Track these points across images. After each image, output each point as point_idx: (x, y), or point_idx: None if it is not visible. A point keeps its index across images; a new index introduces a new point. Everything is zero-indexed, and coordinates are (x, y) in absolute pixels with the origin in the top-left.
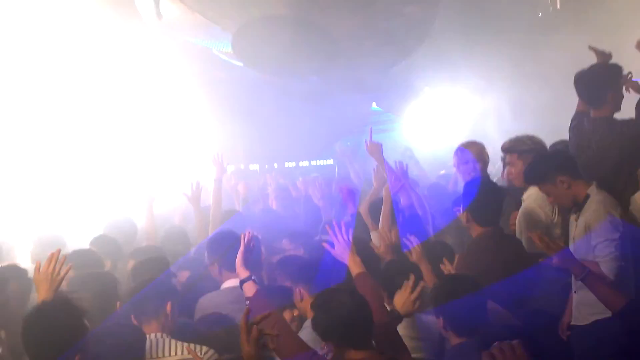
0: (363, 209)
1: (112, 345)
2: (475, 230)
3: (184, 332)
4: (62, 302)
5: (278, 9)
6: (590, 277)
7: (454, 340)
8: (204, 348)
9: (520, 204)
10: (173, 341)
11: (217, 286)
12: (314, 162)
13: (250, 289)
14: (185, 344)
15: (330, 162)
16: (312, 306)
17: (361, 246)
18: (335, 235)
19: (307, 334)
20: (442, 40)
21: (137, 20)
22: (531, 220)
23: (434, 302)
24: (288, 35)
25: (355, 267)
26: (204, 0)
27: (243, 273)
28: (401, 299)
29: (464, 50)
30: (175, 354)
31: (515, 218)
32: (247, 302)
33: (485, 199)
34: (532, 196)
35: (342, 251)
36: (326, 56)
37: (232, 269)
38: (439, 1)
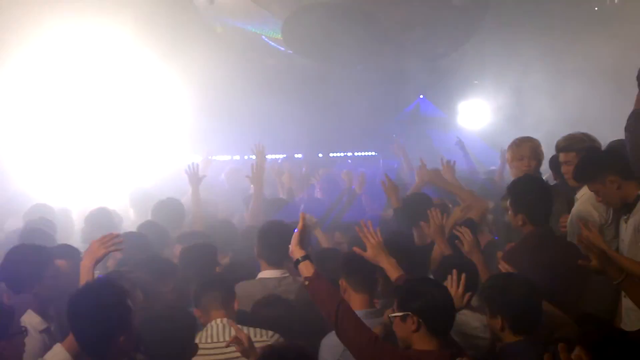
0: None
1: (160, 328)
2: (526, 228)
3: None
4: (106, 282)
5: None
6: (627, 281)
7: (510, 338)
8: (270, 332)
9: (572, 204)
10: (245, 327)
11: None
12: (358, 153)
13: (307, 269)
14: (251, 328)
15: (373, 153)
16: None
17: (404, 241)
18: (366, 237)
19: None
20: (492, 33)
21: (189, 5)
22: (584, 221)
23: (489, 300)
24: (338, 23)
25: (392, 271)
26: None
27: (298, 252)
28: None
29: (515, 44)
30: None
31: (566, 220)
32: (306, 282)
33: (538, 197)
34: (585, 195)
35: (374, 254)
36: (375, 45)
37: (271, 261)
38: None
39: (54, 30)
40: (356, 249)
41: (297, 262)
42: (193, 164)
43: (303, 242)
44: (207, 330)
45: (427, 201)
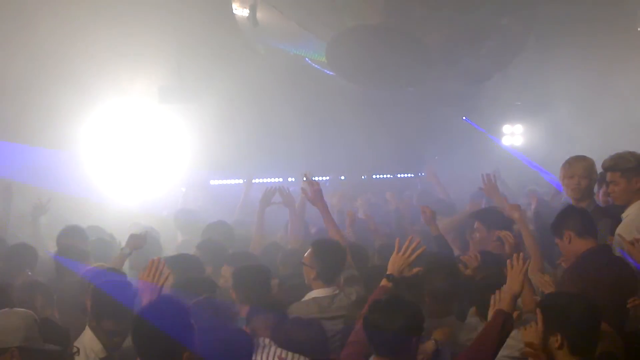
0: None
1: (219, 348)
2: (582, 246)
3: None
4: (171, 300)
5: (373, 18)
6: None
7: (566, 357)
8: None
9: (619, 222)
10: (279, 349)
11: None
12: (401, 175)
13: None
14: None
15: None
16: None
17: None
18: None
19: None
20: (535, 53)
21: (231, 26)
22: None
23: (549, 317)
24: (382, 45)
25: (507, 303)
26: (300, 8)
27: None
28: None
29: (556, 64)
30: None
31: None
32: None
33: (581, 213)
34: (632, 215)
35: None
36: (419, 67)
37: (324, 281)
38: (535, 14)
39: (97, 48)
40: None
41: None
42: (267, 188)
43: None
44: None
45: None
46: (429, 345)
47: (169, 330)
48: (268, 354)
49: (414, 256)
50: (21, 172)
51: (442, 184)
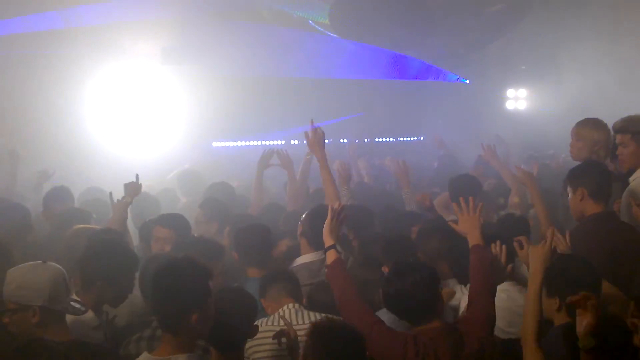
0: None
1: (225, 309)
2: (591, 208)
3: None
4: (192, 261)
5: None
6: None
7: (564, 319)
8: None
9: (626, 186)
10: (307, 312)
11: None
12: (403, 139)
13: (330, 256)
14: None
15: (421, 138)
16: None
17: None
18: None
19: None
20: (540, 18)
21: None
22: (636, 198)
23: (547, 280)
24: (386, 6)
25: (474, 239)
26: None
27: (328, 241)
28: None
29: (562, 28)
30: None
31: (619, 205)
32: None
33: (597, 172)
34: (638, 179)
35: (469, 225)
36: (424, 29)
37: (314, 247)
38: None
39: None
40: (451, 224)
41: (326, 249)
42: (265, 150)
43: (333, 231)
44: (279, 313)
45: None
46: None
47: (184, 290)
48: (291, 316)
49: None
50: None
51: (449, 149)
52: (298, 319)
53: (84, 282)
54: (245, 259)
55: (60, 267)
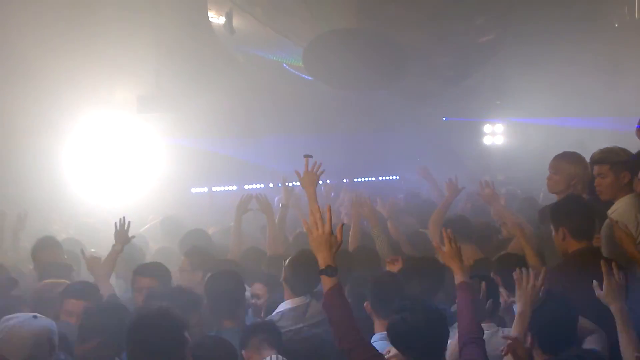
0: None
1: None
2: (573, 246)
3: None
4: (167, 313)
5: (349, 22)
6: None
7: (540, 357)
8: None
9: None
10: None
11: None
12: (382, 178)
13: (326, 283)
14: None
15: (396, 177)
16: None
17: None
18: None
19: None
20: (514, 52)
21: (209, 34)
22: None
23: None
24: (358, 48)
25: (461, 274)
26: (276, 14)
27: (324, 258)
28: None
29: (536, 63)
30: None
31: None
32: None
33: (578, 211)
34: (618, 210)
35: (449, 256)
36: (396, 69)
37: (297, 291)
38: (511, 12)
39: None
40: (436, 245)
41: (321, 272)
42: (243, 195)
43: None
44: None
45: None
46: None
47: (158, 343)
48: None
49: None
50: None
51: (435, 181)
52: None
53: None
54: (216, 307)
55: (52, 323)
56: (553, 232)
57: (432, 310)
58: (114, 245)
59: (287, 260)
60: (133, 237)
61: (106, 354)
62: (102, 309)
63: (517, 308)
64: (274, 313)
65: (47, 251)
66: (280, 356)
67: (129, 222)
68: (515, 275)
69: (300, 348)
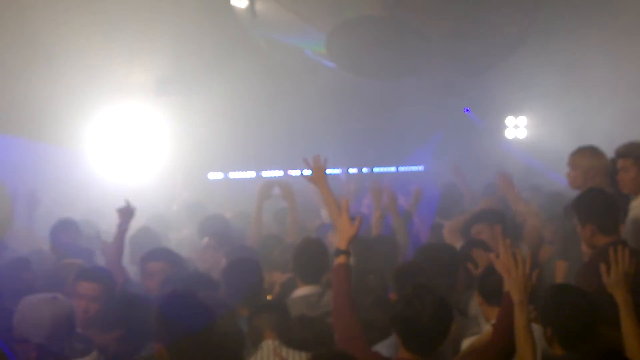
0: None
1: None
2: (600, 241)
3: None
4: (190, 294)
5: (374, 9)
6: None
7: (558, 351)
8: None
9: (626, 214)
10: (290, 351)
11: None
12: (403, 168)
13: (338, 260)
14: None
15: (420, 168)
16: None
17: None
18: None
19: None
20: (537, 44)
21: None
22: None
23: (542, 309)
24: (383, 36)
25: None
26: None
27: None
28: None
29: (561, 56)
30: None
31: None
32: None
33: (604, 205)
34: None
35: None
36: (420, 58)
37: (305, 279)
38: (538, 4)
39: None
40: (493, 257)
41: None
42: (265, 181)
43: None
44: (259, 352)
45: None
46: None
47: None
48: (269, 355)
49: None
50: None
51: (465, 179)
52: (272, 358)
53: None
54: (233, 294)
55: (71, 303)
56: (579, 228)
57: (440, 301)
58: (118, 224)
59: (293, 250)
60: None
61: (128, 348)
62: (127, 299)
63: (513, 299)
64: (288, 299)
65: (65, 233)
66: (277, 341)
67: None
68: (499, 265)
69: (309, 336)
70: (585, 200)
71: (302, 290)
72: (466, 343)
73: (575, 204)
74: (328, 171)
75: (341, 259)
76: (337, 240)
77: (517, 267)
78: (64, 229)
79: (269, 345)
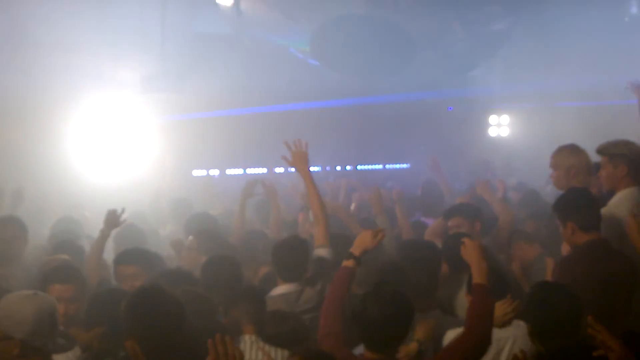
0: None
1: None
2: (581, 238)
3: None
4: (158, 288)
5: (357, 7)
6: None
7: (540, 347)
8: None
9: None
10: (267, 346)
11: None
12: (389, 166)
13: (345, 262)
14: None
15: (405, 165)
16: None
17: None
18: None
19: None
20: (521, 42)
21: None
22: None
23: (527, 308)
24: (366, 34)
25: (479, 275)
26: None
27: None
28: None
29: (544, 53)
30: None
31: None
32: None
33: (588, 204)
34: (614, 201)
35: (473, 254)
36: (404, 56)
37: (285, 278)
38: (521, 3)
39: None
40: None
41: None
42: (249, 179)
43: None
44: (239, 346)
45: None
46: (412, 347)
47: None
48: (257, 351)
49: (379, 238)
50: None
51: (444, 176)
52: (253, 353)
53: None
54: (212, 292)
55: (53, 300)
56: (560, 228)
57: (397, 300)
58: (101, 229)
59: (273, 247)
60: (124, 221)
61: (111, 345)
62: (108, 296)
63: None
64: (269, 295)
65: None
66: (255, 337)
67: (122, 209)
68: (465, 255)
69: (284, 331)
70: (566, 199)
71: (281, 289)
72: (449, 336)
73: (556, 203)
74: (312, 169)
75: (350, 263)
76: (311, 229)
77: (474, 252)
78: (66, 229)
79: (246, 340)
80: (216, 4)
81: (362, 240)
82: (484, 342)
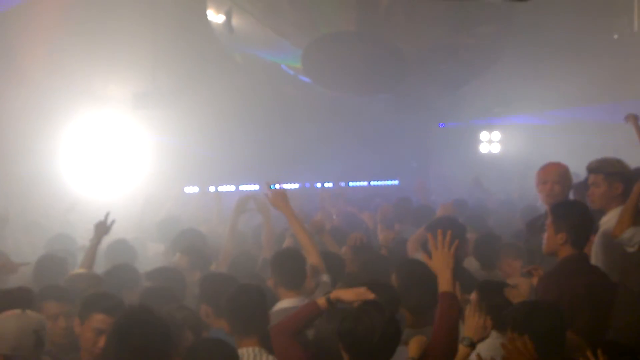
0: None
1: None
2: (566, 251)
3: None
4: (147, 310)
5: (348, 25)
6: None
7: None
8: None
9: (597, 229)
10: (271, 357)
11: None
12: (377, 182)
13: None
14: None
15: (395, 182)
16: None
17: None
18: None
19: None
20: (513, 61)
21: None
22: (610, 244)
23: (513, 325)
24: (357, 52)
25: (445, 284)
26: (275, 15)
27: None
28: (472, 324)
29: (536, 72)
30: None
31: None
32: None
33: (587, 224)
34: (611, 220)
35: (441, 263)
36: (395, 74)
37: (290, 286)
38: (512, 21)
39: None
40: (423, 256)
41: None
42: (241, 197)
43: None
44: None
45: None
46: None
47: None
48: None
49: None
50: None
51: (425, 198)
52: None
53: None
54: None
55: (41, 319)
56: (550, 231)
57: (389, 319)
58: (91, 239)
59: (272, 258)
60: (112, 223)
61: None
62: None
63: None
64: (272, 310)
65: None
66: (258, 349)
67: (112, 220)
68: (431, 264)
69: None
70: (568, 210)
71: (284, 303)
72: (412, 345)
73: (556, 209)
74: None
75: (323, 304)
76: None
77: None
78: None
79: (250, 352)
80: (208, 21)
81: (445, 271)
82: (452, 349)
